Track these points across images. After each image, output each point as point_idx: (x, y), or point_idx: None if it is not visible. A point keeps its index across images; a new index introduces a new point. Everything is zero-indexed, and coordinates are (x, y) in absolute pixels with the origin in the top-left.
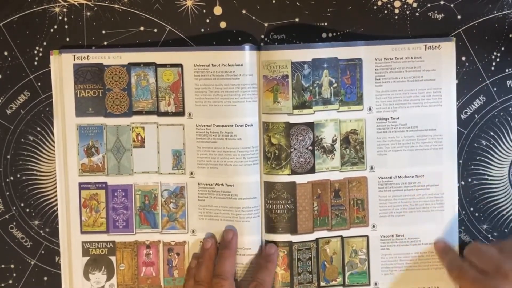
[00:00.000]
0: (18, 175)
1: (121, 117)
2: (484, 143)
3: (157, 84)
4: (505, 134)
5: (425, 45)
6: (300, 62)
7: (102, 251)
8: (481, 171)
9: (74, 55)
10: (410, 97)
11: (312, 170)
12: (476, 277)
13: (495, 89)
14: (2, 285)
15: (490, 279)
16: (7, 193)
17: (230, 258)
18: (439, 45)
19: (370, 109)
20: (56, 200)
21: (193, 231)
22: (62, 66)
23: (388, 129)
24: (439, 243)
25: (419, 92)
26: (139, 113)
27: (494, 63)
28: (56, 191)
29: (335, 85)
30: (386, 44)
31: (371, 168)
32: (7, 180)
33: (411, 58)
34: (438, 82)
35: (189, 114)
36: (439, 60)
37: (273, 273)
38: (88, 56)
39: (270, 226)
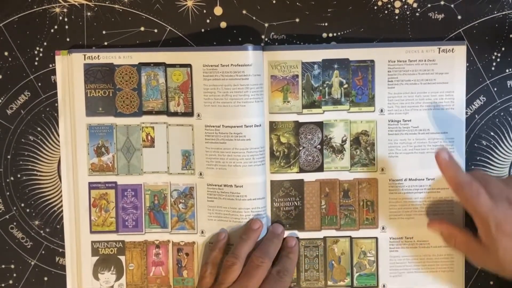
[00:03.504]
0: (19, 175)
1: (131, 117)
2: (485, 144)
3: (166, 84)
4: (506, 135)
5: (439, 48)
6: (310, 63)
7: (111, 250)
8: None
9: (85, 55)
10: (423, 100)
11: (320, 169)
12: (489, 204)
13: (495, 89)
14: (3, 285)
15: (505, 209)
16: (8, 193)
17: (276, 243)
18: (452, 49)
19: (381, 110)
20: (57, 200)
21: (202, 232)
22: (73, 66)
23: (399, 131)
24: (442, 155)
25: (431, 95)
26: (149, 113)
27: (494, 63)
28: (57, 191)
29: (345, 86)
30: (399, 46)
31: (382, 170)
32: (8, 180)
33: (424, 60)
34: (450, 85)
35: (198, 115)
36: (452, 63)
37: (296, 262)
38: (98, 56)
39: (278, 223)
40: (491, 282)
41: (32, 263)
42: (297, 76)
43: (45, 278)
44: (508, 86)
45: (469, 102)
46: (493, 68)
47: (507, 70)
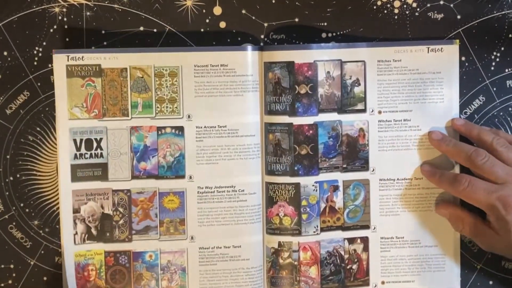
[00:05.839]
0: (18, 175)
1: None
2: None
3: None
4: None
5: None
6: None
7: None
8: None
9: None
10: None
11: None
12: (488, 187)
13: (494, 89)
14: (2, 285)
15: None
16: (7, 193)
17: None
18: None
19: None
20: (56, 200)
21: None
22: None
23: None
24: (425, 168)
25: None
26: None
27: (493, 63)
28: (56, 191)
29: None
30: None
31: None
32: (7, 180)
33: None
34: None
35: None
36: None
37: None
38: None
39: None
40: (491, 282)
41: (32, 263)
42: None
43: (44, 278)
44: (508, 86)
45: (468, 102)
46: (492, 68)
47: (506, 70)
